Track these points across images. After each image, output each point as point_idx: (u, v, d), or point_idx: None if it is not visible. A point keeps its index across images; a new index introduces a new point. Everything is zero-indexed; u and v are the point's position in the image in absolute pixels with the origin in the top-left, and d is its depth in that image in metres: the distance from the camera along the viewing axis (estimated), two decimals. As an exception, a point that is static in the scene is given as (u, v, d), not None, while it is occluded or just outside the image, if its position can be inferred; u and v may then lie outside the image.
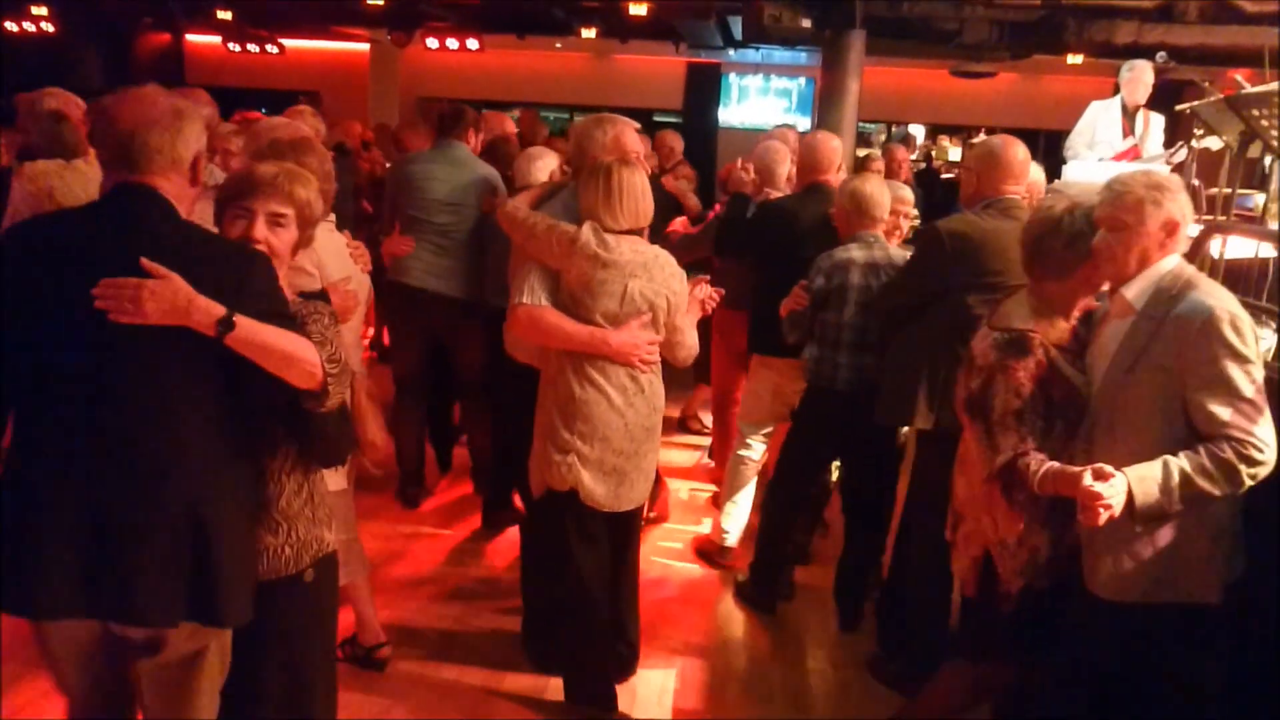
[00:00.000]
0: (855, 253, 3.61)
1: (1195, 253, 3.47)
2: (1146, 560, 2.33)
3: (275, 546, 2.17)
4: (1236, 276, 4.41)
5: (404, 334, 5.00)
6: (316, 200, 2.21)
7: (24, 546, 1.89)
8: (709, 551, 4.42)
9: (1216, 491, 2.22)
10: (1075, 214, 2.47)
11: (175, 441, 1.94)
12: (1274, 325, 3.42)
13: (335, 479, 2.70)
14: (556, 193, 3.30)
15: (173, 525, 1.92)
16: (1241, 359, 2.24)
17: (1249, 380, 2.25)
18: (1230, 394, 2.24)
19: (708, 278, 3.40)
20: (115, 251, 1.85)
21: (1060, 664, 2.57)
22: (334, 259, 2.86)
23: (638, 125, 3.39)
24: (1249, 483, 2.25)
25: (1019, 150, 3.30)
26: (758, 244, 4.20)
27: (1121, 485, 2.16)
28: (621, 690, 3.35)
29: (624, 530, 3.23)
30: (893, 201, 3.80)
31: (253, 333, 1.88)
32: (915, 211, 4.22)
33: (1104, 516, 2.15)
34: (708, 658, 3.69)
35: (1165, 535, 2.33)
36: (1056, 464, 2.31)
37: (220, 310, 1.85)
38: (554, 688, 3.34)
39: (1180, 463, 2.22)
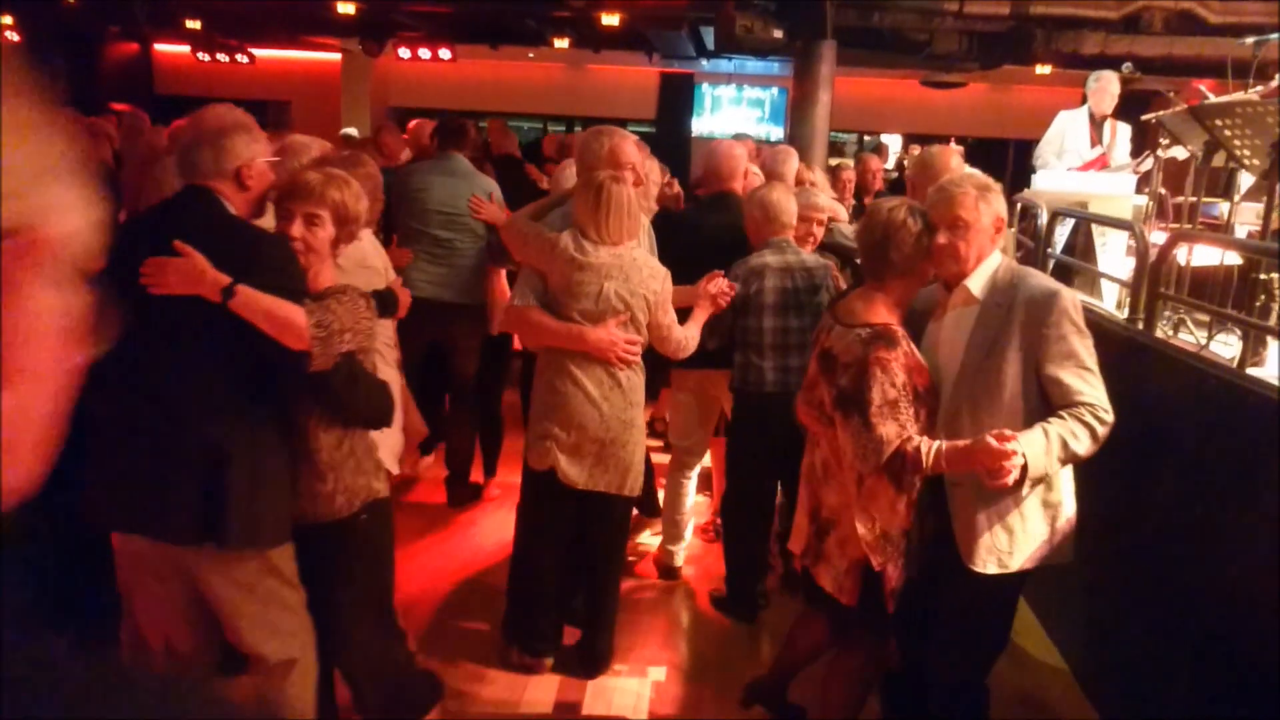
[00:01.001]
0: (769, 258, 3.68)
1: (1161, 260, 3.51)
2: (1023, 535, 2.54)
3: (325, 493, 2.51)
4: (1202, 284, 4.47)
5: (402, 340, 5.02)
6: (355, 203, 2.54)
7: (91, 469, 2.30)
8: (663, 565, 4.39)
9: (1083, 452, 2.42)
10: (916, 215, 2.57)
11: (199, 389, 2.32)
12: (1239, 332, 3.46)
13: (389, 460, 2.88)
14: (560, 204, 3.42)
15: (193, 457, 2.28)
16: (1083, 334, 2.48)
17: (1089, 352, 2.48)
18: (1079, 365, 2.46)
19: (721, 272, 3.50)
20: (168, 237, 2.27)
21: (948, 642, 2.71)
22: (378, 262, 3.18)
23: (636, 137, 3.46)
24: (1101, 443, 2.45)
25: (953, 158, 3.45)
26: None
27: (1020, 447, 2.30)
28: (597, 699, 3.35)
29: (596, 514, 3.36)
30: (806, 210, 3.88)
31: (251, 299, 2.24)
32: (836, 216, 4.26)
33: (1013, 476, 2.30)
34: (683, 667, 3.68)
35: (1034, 510, 2.55)
36: (948, 442, 2.41)
37: (225, 280, 2.23)
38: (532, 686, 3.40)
39: (1055, 428, 2.40)
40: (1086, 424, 2.42)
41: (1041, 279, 2.59)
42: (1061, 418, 2.42)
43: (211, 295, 2.25)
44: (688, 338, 3.33)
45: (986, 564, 2.53)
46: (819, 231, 3.98)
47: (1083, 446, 2.42)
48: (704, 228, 4.06)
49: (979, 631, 2.69)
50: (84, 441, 2.15)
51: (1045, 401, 2.47)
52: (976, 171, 3.33)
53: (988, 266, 2.56)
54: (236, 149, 2.42)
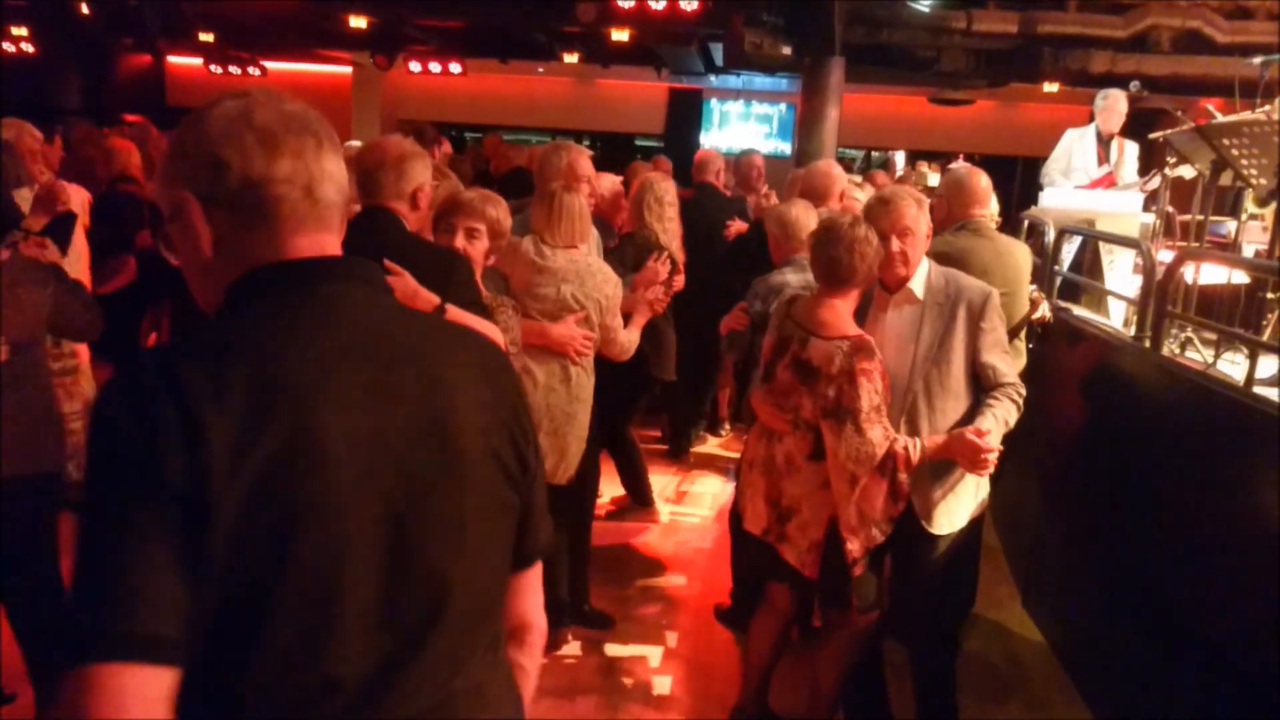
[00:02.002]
0: (789, 276, 3.68)
1: (1168, 278, 3.51)
2: (964, 497, 2.94)
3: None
4: (1209, 302, 4.48)
5: None
6: (505, 218, 2.82)
7: None
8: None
9: (1013, 423, 2.83)
10: (869, 227, 2.77)
11: None
12: (1246, 350, 3.46)
13: None
14: (520, 210, 3.65)
15: None
16: (1003, 321, 2.92)
17: (1006, 338, 2.94)
18: (1003, 351, 2.89)
19: (661, 280, 3.77)
20: (363, 254, 2.26)
21: (923, 599, 3.03)
22: None
23: (590, 152, 3.82)
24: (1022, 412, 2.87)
25: (982, 178, 3.65)
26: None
27: (994, 439, 2.68)
28: (599, 710, 3.36)
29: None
30: None
31: (458, 318, 2.33)
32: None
33: (992, 465, 2.68)
34: (687, 680, 3.68)
35: (968, 479, 2.91)
36: (930, 438, 2.75)
37: (436, 299, 2.38)
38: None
39: (999, 410, 2.78)
40: (1014, 400, 2.84)
41: (969, 279, 2.93)
42: (998, 399, 2.81)
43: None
44: (630, 341, 3.54)
45: (943, 526, 2.90)
46: None
47: (1014, 419, 2.83)
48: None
49: (949, 585, 3.06)
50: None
51: (976, 382, 2.87)
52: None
53: (923, 269, 2.89)
54: (414, 173, 2.63)
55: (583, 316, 3.35)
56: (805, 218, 3.75)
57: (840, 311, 2.77)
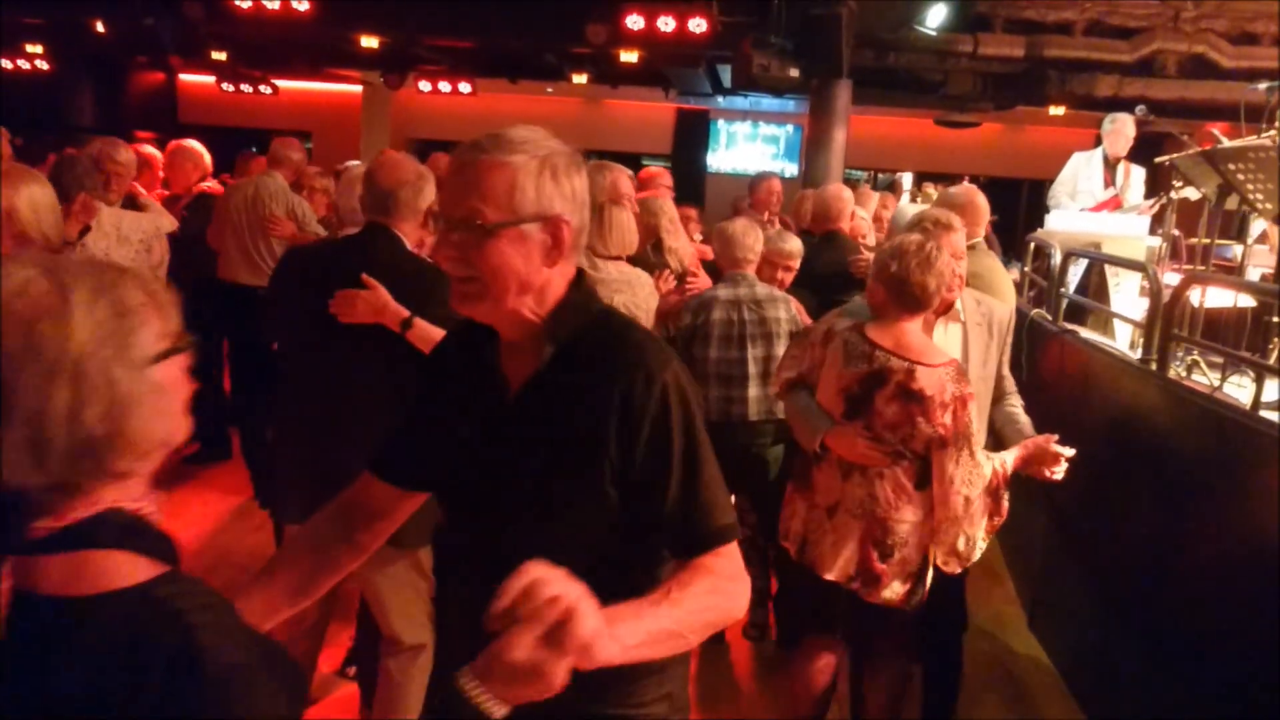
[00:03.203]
0: (720, 291, 3.78)
1: (1175, 301, 3.53)
2: (975, 540, 2.86)
3: None
4: (1215, 326, 4.49)
5: None
6: None
7: (280, 473, 2.81)
8: None
9: None
10: (940, 249, 2.74)
11: (371, 403, 2.49)
12: (1252, 374, 3.47)
13: None
14: None
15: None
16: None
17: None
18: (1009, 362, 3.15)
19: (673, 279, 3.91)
20: (352, 269, 2.57)
21: (939, 630, 3.07)
22: None
23: (630, 172, 3.86)
24: None
25: (983, 198, 3.73)
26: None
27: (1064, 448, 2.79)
28: None
29: None
30: (772, 254, 3.95)
31: (425, 331, 2.48)
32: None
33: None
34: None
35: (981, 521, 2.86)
36: (1011, 451, 2.82)
37: (405, 313, 2.52)
38: None
39: (1025, 419, 3.06)
40: (1023, 407, 3.14)
41: (989, 297, 3.18)
42: (1016, 407, 3.12)
43: (392, 325, 2.53)
44: None
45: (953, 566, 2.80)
46: (785, 276, 4.00)
47: None
48: (818, 263, 4.36)
49: (959, 615, 3.15)
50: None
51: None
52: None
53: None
54: (429, 194, 2.72)
55: None
56: (743, 236, 3.81)
57: (924, 337, 2.74)
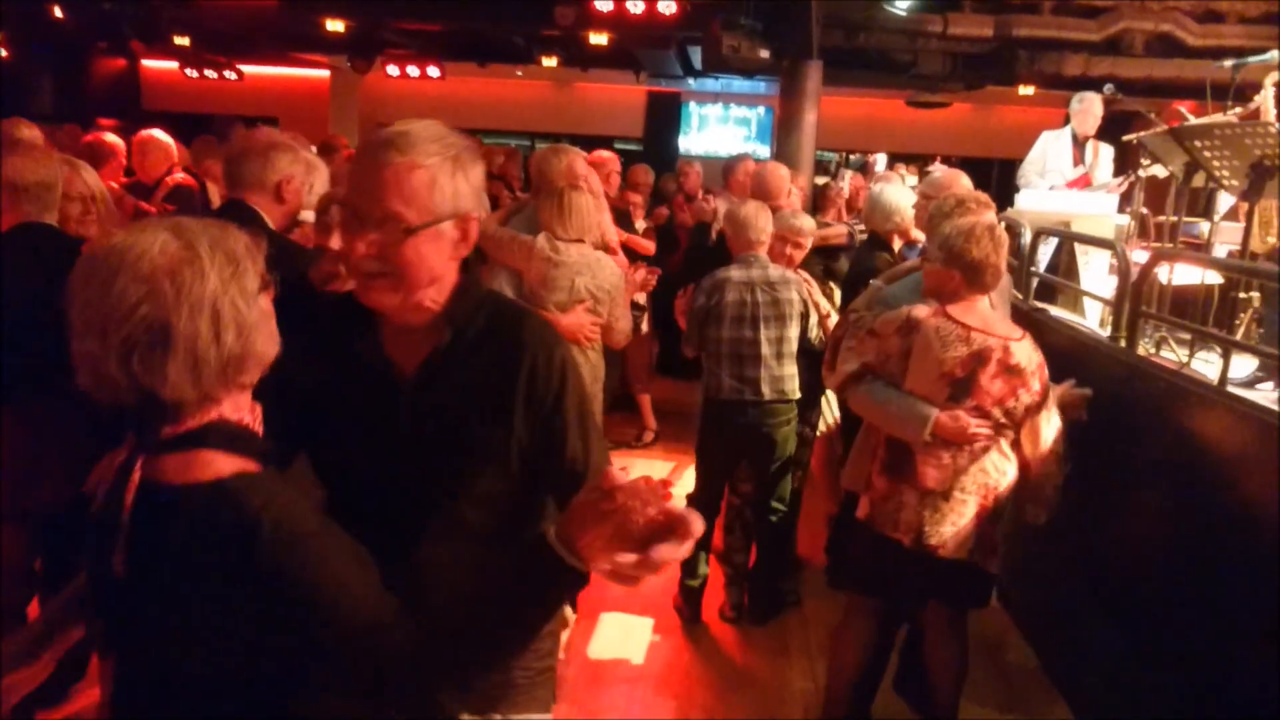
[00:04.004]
0: (733, 272, 3.85)
1: (1143, 279, 3.55)
2: None
3: None
4: (1183, 302, 4.53)
5: None
6: None
7: None
8: None
9: None
10: (1000, 228, 2.91)
11: None
12: (1219, 350, 3.51)
13: None
14: (521, 210, 3.92)
15: None
16: None
17: None
18: None
19: (645, 265, 4.03)
20: None
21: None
22: None
23: (585, 154, 4.08)
24: None
25: (960, 177, 3.81)
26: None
27: None
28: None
29: None
30: (783, 230, 3.99)
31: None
32: (831, 237, 4.41)
33: None
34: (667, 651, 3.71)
35: None
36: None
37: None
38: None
39: None
40: None
41: None
42: None
43: None
44: (626, 326, 3.75)
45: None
46: (795, 253, 4.04)
47: None
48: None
49: None
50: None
51: None
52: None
53: None
54: (280, 164, 2.60)
55: (590, 306, 3.54)
56: (755, 218, 3.85)
57: (995, 313, 2.94)
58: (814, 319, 3.87)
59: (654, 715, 3.49)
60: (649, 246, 5.83)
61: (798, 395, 3.89)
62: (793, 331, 3.82)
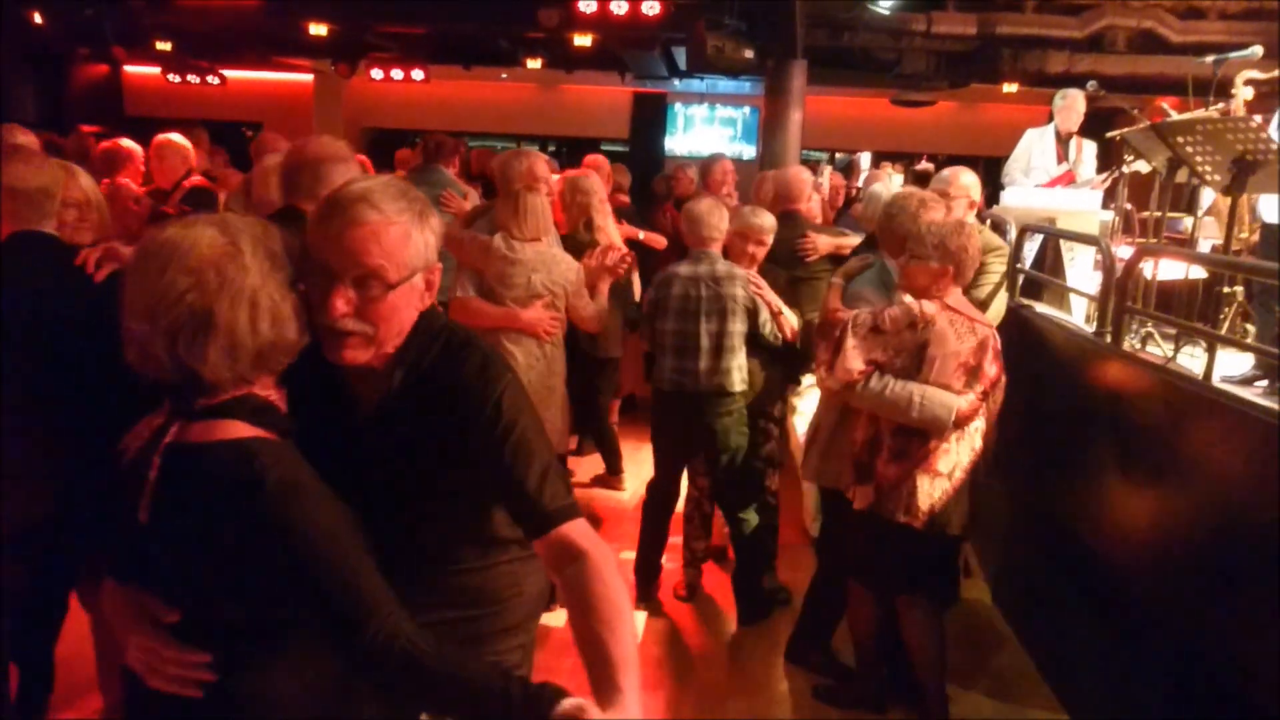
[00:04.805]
0: (681, 268, 3.96)
1: (1128, 274, 3.56)
2: None
3: None
4: (1168, 297, 4.54)
5: None
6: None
7: None
8: None
9: None
10: None
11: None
12: (1204, 344, 3.52)
13: None
14: (485, 214, 4.12)
15: None
16: None
17: None
18: None
19: (614, 245, 4.14)
20: None
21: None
22: None
23: (547, 157, 4.34)
24: None
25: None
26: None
27: None
28: None
29: None
30: (744, 229, 4.00)
31: None
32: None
33: None
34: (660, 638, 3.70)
35: None
36: None
37: None
38: None
39: None
40: None
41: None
42: None
43: None
44: (600, 310, 3.85)
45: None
46: (757, 250, 4.02)
47: None
48: (777, 241, 4.38)
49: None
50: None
51: None
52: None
53: None
54: (331, 177, 2.58)
55: (548, 300, 3.67)
56: (709, 215, 3.94)
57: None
58: (764, 315, 3.90)
59: (645, 714, 3.47)
60: (661, 241, 5.89)
61: (739, 388, 3.93)
62: (735, 326, 3.87)
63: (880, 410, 3.00)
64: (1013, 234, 4.65)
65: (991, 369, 3.00)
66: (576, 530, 1.55)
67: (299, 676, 1.40)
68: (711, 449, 4.01)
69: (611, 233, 4.53)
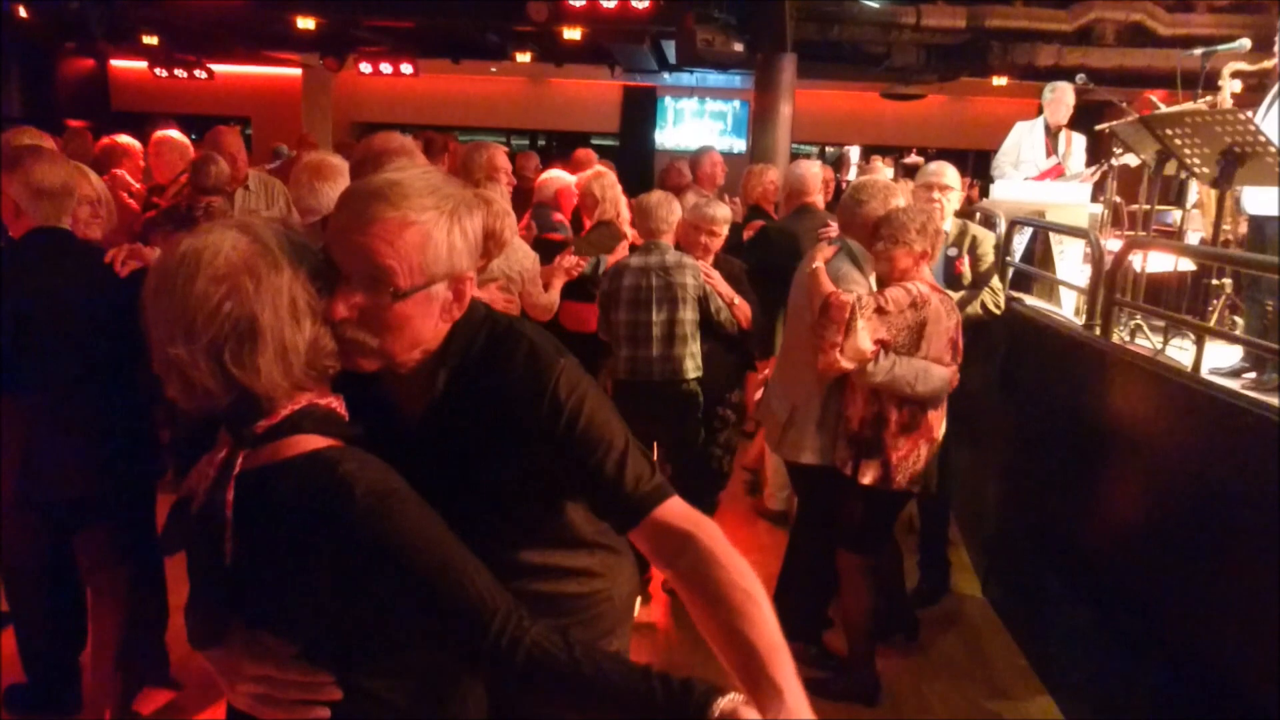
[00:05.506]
0: (632, 260, 4.02)
1: (1117, 267, 3.57)
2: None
3: None
4: (1157, 290, 4.55)
5: None
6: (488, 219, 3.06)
7: None
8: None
9: None
10: None
11: None
12: (1193, 336, 3.53)
13: None
14: None
15: None
16: None
17: None
18: None
19: (571, 249, 4.25)
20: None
21: None
22: None
23: (506, 149, 4.40)
24: None
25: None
26: (763, 256, 4.67)
27: None
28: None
29: None
30: (697, 219, 4.10)
31: None
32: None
33: None
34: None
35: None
36: None
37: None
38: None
39: None
40: None
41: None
42: None
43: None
44: (551, 301, 3.98)
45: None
46: (711, 241, 4.10)
47: None
48: (799, 234, 4.61)
49: None
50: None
51: None
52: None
53: None
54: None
55: (503, 284, 3.72)
56: (659, 208, 4.03)
57: None
58: (716, 303, 3.98)
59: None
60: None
61: (692, 375, 4.00)
62: (686, 314, 3.94)
63: (890, 387, 3.13)
64: (1002, 227, 4.66)
65: (961, 341, 3.24)
66: (673, 511, 1.39)
67: (410, 682, 1.32)
68: (669, 435, 4.08)
69: (625, 222, 4.70)
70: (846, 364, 3.11)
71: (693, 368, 3.98)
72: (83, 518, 2.77)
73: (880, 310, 3.10)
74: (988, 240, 4.04)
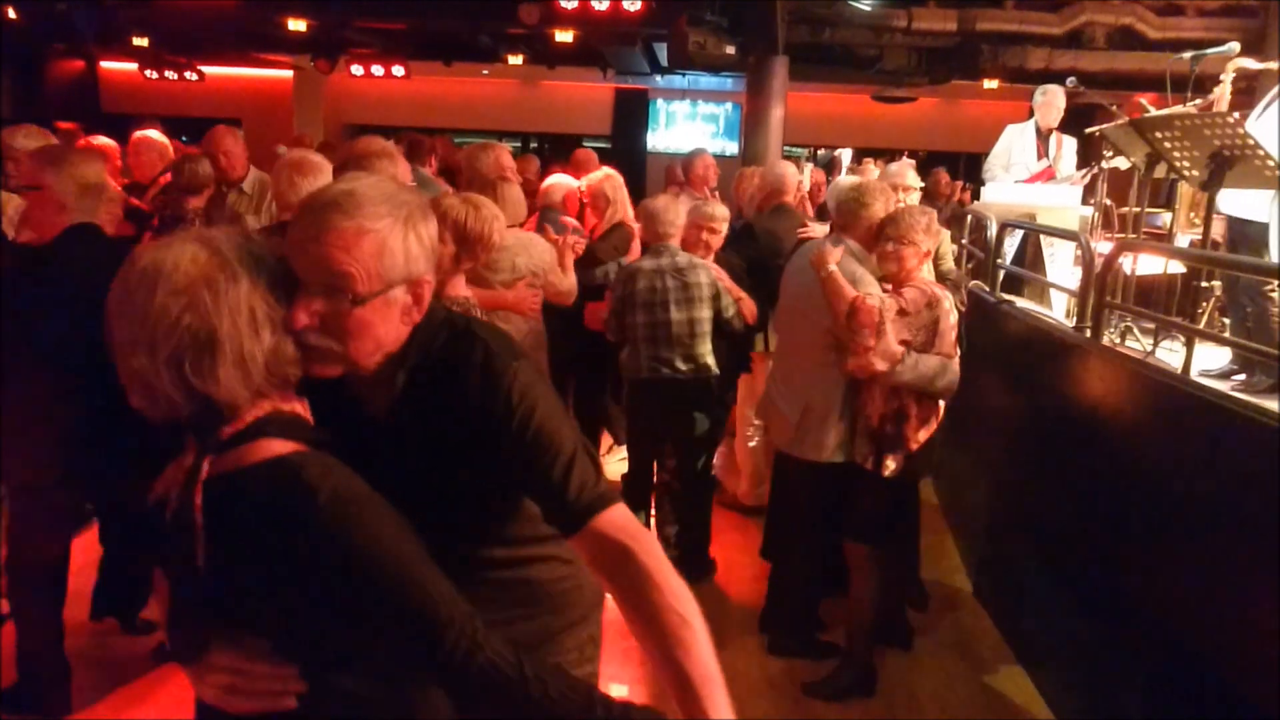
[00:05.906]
0: (644, 263, 4.14)
1: (1107, 269, 3.58)
2: None
3: None
4: (1147, 292, 4.57)
5: None
6: (477, 224, 2.94)
7: None
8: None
9: None
10: None
11: None
12: (1183, 339, 3.54)
13: None
14: None
15: None
16: None
17: None
18: None
19: (573, 229, 4.33)
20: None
21: None
22: None
23: (508, 147, 4.46)
24: None
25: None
26: (741, 251, 4.73)
27: None
28: None
29: None
30: (697, 218, 4.21)
31: None
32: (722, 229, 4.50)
33: None
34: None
35: None
36: None
37: None
38: None
39: None
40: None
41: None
42: None
43: None
44: (572, 285, 4.00)
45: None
46: (711, 239, 4.23)
47: None
48: (776, 232, 4.73)
49: None
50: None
51: None
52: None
53: None
54: (376, 171, 2.67)
55: (529, 281, 3.78)
56: (665, 212, 4.11)
57: None
58: (726, 301, 4.10)
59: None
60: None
61: (715, 372, 4.13)
62: (703, 313, 4.07)
63: (915, 384, 3.23)
64: (993, 229, 4.67)
65: (953, 334, 3.32)
66: (613, 522, 1.42)
67: (379, 679, 1.34)
68: (688, 432, 4.17)
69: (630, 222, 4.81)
70: (881, 365, 3.20)
71: (714, 364, 4.12)
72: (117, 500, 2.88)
73: (903, 312, 3.21)
74: (945, 239, 4.19)
